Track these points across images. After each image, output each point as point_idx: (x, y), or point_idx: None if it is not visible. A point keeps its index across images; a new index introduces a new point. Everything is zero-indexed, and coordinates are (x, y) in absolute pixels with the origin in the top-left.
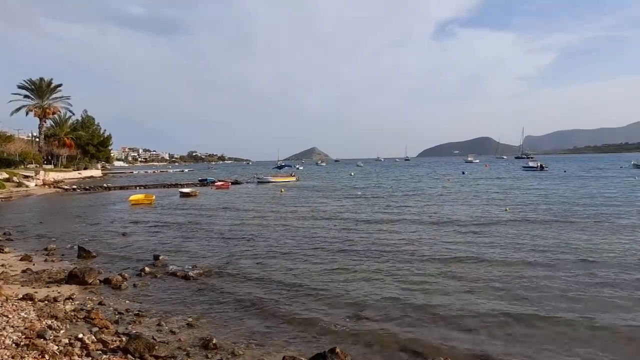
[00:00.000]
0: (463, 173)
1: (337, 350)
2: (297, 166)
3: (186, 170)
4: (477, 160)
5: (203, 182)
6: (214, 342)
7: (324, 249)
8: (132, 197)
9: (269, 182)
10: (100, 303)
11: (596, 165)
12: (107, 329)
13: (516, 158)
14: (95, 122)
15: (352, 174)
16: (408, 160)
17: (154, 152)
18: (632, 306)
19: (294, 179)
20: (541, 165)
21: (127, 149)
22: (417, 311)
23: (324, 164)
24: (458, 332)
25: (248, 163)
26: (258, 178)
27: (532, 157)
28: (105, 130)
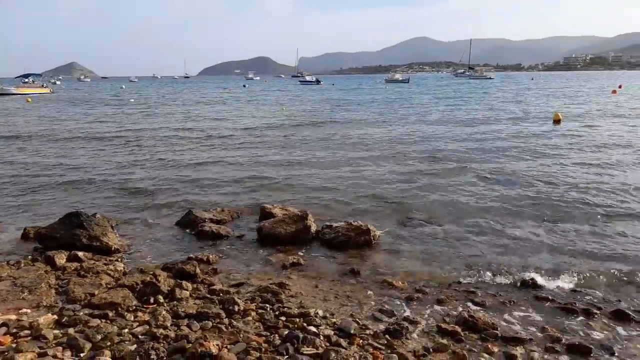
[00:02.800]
0: (244, 86)
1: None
2: (54, 81)
3: None
4: (258, 78)
5: None
6: None
7: None
8: None
9: (12, 93)
10: None
11: (358, 82)
12: None
13: (292, 77)
14: None
15: (124, 87)
16: (188, 77)
17: None
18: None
19: (47, 90)
20: (317, 80)
21: None
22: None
23: (88, 80)
24: None
25: None
26: None
27: (304, 76)
28: None
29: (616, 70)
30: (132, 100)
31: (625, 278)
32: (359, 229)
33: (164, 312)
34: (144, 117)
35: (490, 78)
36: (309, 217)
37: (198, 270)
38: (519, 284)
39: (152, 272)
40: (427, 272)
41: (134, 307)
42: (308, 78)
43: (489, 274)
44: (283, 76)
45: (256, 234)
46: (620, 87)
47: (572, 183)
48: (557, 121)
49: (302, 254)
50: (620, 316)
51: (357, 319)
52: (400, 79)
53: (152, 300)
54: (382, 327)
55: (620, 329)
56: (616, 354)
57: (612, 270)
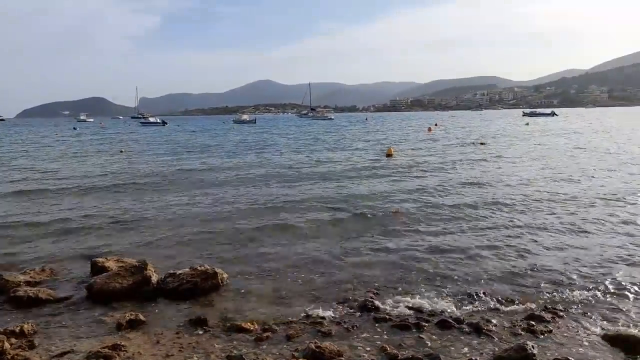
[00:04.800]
0: (75, 129)
1: None
2: None
3: None
4: (92, 120)
5: None
6: None
7: None
8: None
9: None
10: None
11: (204, 124)
12: None
13: (132, 118)
14: None
15: None
16: (3, 120)
17: None
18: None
19: None
20: (163, 121)
21: None
22: None
23: None
24: None
25: None
26: None
27: (147, 118)
28: None
29: (431, 111)
30: None
31: (441, 284)
32: (204, 274)
33: None
34: None
35: (330, 118)
36: (149, 266)
37: (7, 346)
38: (360, 308)
39: None
40: (276, 309)
41: None
42: (152, 119)
43: (334, 302)
44: (122, 117)
45: (86, 293)
46: (436, 125)
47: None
48: (389, 155)
49: (141, 308)
50: (443, 325)
51: None
52: (248, 119)
53: None
54: None
55: (445, 337)
56: None
57: (452, 287)
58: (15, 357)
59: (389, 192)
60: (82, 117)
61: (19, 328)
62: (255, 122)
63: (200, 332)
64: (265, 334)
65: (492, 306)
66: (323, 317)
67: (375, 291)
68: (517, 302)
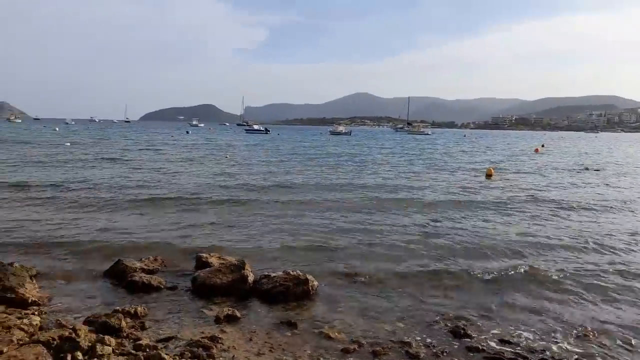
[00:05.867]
0: (188, 133)
1: None
2: None
3: None
4: (202, 125)
5: None
6: None
7: None
8: None
9: None
10: None
11: (304, 133)
12: None
13: (238, 125)
14: None
15: (57, 129)
16: (129, 122)
17: None
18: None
19: None
20: (266, 129)
21: None
22: None
23: (18, 121)
24: None
25: None
26: None
27: (251, 125)
28: None
29: (538, 131)
30: (68, 143)
31: (553, 325)
32: (297, 279)
33: None
34: (72, 164)
35: (427, 134)
36: (247, 266)
37: (124, 324)
38: (452, 334)
39: (71, 327)
40: (364, 323)
41: None
42: (256, 127)
43: (423, 324)
44: (228, 124)
45: (190, 284)
46: (543, 146)
47: (502, 234)
48: (489, 175)
49: (238, 305)
50: None
51: None
52: (344, 131)
53: (69, 357)
54: None
55: None
56: None
57: (543, 318)
58: (130, 335)
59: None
60: (194, 123)
61: (133, 309)
62: (350, 134)
63: (290, 335)
64: (352, 347)
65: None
66: (410, 337)
67: (468, 317)
68: None
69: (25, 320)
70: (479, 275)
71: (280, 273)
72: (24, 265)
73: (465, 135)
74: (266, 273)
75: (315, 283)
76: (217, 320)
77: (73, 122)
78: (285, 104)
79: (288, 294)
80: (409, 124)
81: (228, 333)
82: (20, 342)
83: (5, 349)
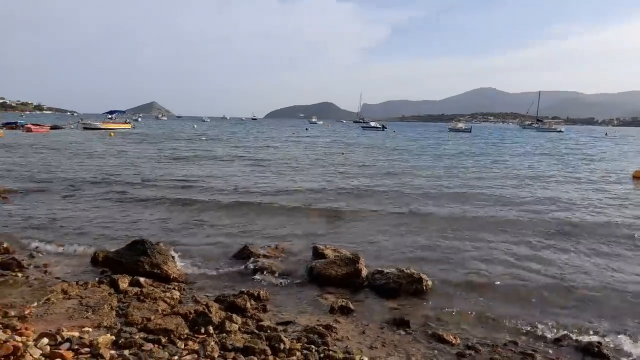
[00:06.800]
0: (307, 129)
1: None
2: (135, 118)
3: None
4: (321, 122)
5: (10, 125)
6: (4, 245)
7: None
8: None
9: (97, 128)
10: None
11: (419, 130)
12: None
13: (354, 122)
14: None
15: (195, 126)
16: (255, 119)
17: None
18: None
19: (128, 126)
20: (383, 126)
21: None
22: None
23: (165, 119)
24: None
25: (73, 114)
26: (83, 123)
27: (368, 122)
28: None
29: None
30: (204, 138)
31: None
32: (410, 277)
33: (212, 343)
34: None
35: (559, 131)
36: (361, 260)
37: (248, 305)
38: (582, 351)
39: (205, 303)
40: (481, 328)
41: (186, 336)
42: (372, 124)
43: (549, 335)
44: (344, 121)
45: (307, 274)
46: None
47: None
48: (637, 177)
49: (351, 297)
50: None
51: None
52: (464, 127)
53: (202, 330)
54: None
55: None
56: None
57: None
58: (253, 315)
59: None
60: (313, 120)
61: (257, 292)
62: (470, 131)
63: (402, 333)
64: (467, 352)
65: None
66: (535, 349)
67: (604, 334)
68: None
69: (168, 294)
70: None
71: (394, 270)
72: (167, 244)
73: (606, 134)
74: (379, 269)
75: (430, 282)
76: (332, 310)
77: (209, 120)
78: (402, 100)
79: (401, 291)
80: (538, 120)
81: (342, 323)
82: (164, 313)
83: (152, 317)
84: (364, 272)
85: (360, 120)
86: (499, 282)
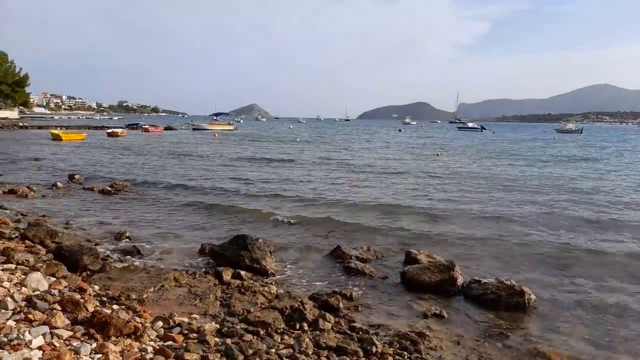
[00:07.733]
0: (400, 131)
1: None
2: (237, 119)
3: (115, 118)
4: (414, 122)
5: (132, 126)
6: (127, 234)
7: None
8: (60, 133)
9: (204, 129)
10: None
11: (524, 130)
12: (5, 224)
13: (450, 122)
14: (9, 60)
15: (292, 127)
16: (348, 120)
17: (80, 100)
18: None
19: (231, 127)
20: (482, 127)
21: (48, 95)
22: None
23: (264, 120)
24: None
25: (184, 116)
26: (193, 125)
27: (464, 122)
28: (21, 69)
29: None
30: (298, 139)
31: None
32: (511, 289)
33: (307, 340)
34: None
35: None
36: (456, 268)
37: (341, 305)
38: None
39: (300, 300)
40: (594, 350)
41: (282, 330)
42: (470, 124)
43: None
44: (439, 121)
45: (399, 278)
46: None
47: None
48: None
49: (444, 305)
50: None
51: None
52: (573, 128)
53: (297, 326)
54: None
55: None
56: None
57: None
58: (345, 316)
59: None
60: (407, 120)
61: (349, 293)
62: (581, 132)
63: (500, 346)
64: None
65: None
66: None
67: None
68: None
69: (266, 288)
70: None
71: (493, 280)
72: (266, 240)
73: None
74: (477, 278)
75: (533, 297)
76: (424, 316)
77: (304, 121)
78: (502, 99)
79: (499, 303)
80: None
81: (435, 331)
82: (262, 306)
83: (252, 309)
84: (459, 281)
85: (457, 121)
86: (616, 298)
